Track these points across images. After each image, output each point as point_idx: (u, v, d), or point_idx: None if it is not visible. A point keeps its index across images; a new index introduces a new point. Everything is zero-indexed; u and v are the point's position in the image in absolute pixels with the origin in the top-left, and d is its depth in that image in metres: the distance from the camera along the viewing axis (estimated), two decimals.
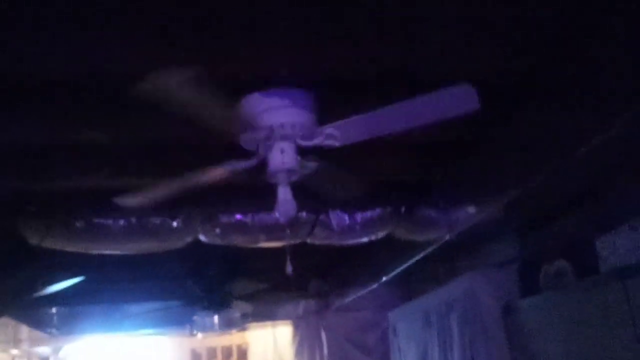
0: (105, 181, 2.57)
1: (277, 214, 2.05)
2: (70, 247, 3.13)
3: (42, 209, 2.81)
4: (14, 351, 7.91)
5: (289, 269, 2.58)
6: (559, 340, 2.68)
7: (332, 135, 1.97)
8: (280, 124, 1.92)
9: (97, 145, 2.30)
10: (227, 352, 9.35)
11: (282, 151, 1.96)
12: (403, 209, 3.46)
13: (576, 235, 2.61)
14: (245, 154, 2.08)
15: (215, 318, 4.49)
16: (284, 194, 2.00)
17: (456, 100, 1.82)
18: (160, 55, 1.77)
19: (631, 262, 2.22)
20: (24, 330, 7.07)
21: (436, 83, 1.79)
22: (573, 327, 2.58)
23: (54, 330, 5.61)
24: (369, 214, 3.49)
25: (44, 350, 8.20)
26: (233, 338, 8.76)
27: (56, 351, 8.30)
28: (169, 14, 1.62)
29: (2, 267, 3.12)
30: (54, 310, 5.29)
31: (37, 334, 6.58)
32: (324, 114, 1.97)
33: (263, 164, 2.04)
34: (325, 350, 5.68)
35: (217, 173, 2.08)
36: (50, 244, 3.03)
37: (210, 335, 5.88)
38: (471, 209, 3.25)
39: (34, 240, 2.96)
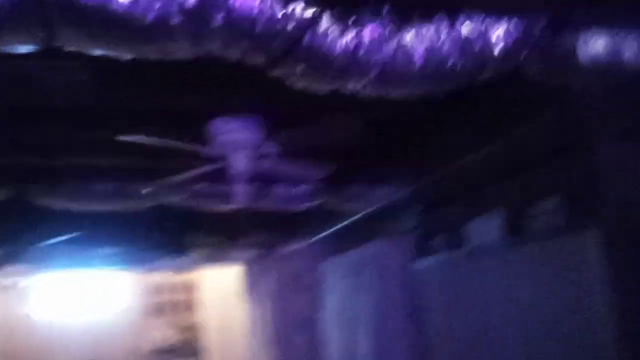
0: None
1: (234, 202, 2.86)
2: (61, 205, 3.87)
3: (45, 178, 3.52)
4: None
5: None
6: (437, 292, 3.67)
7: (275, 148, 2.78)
8: (237, 141, 2.70)
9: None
10: (173, 287, 10.21)
11: (240, 159, 2.75)
12: (334, 186, 4.33)
13: (452, 218, 3.54)
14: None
15: (176, 261, 5.29)
16: (241, 188, 2.79)
17: None
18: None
19: (481, 244, 3.16)
20: None
21: None
22: (445, 285, 3.56)
23: (25, 265, 6.16)
24: (306, 187, 4.34)
25: (5, 282, 8.77)
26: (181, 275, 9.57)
27: (16, 283, 8.87)
28: None
29: (18, 228, 3.80)
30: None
31: None
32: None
33: (227, 167, 2.82)
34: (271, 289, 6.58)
35: (197, 172, 2.84)
36: (49, 203, 3.77)
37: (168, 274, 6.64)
38: (385, 190, 4.16)
39: (36, 199, 3.69)
